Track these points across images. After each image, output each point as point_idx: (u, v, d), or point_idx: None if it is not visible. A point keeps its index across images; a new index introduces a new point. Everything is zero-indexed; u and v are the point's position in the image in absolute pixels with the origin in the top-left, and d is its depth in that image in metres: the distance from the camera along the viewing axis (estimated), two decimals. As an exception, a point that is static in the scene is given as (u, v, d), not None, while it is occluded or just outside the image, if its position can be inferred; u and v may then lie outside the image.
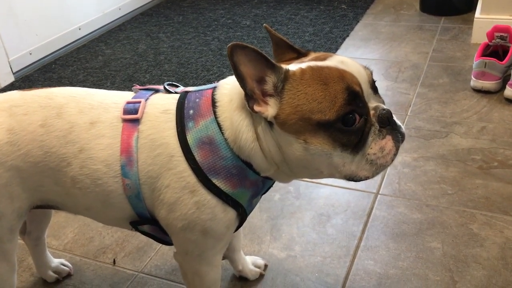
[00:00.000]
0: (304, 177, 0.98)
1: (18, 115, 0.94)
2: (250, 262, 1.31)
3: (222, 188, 0.92)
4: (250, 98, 0.87)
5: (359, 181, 0.90)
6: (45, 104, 0.96)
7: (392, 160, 0.88)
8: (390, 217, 1.47)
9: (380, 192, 1.57)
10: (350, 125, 0.84)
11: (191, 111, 0.94)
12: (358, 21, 2.94)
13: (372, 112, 0.88)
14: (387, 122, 0.88)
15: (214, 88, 0.97)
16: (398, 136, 0.89)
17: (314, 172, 0.92)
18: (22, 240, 1.28)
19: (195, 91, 0.99)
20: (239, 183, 0.93)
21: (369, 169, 0.88)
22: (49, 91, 0.99)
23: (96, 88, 1.06)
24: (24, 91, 1.00)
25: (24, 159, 0.93)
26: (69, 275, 1.35)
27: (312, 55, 0.97)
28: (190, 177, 0.91)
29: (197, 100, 0.95)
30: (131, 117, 0.94)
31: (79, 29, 2.91)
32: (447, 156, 1.70)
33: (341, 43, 2.68)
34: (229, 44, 0.81)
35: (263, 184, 0.98)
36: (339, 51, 2.58)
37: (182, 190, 0.92)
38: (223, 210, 0.93)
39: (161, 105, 0.96)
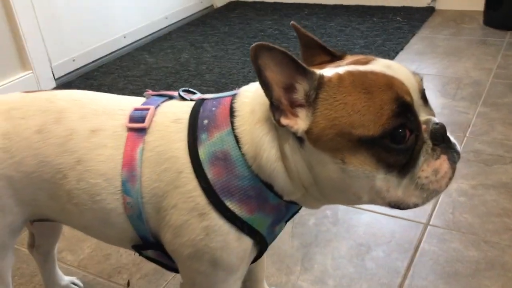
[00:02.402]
0: (339, 203, 0.83)
1: (15, 119, 0.85)
2: (275, 295, 1.16)
3: (237, 212, 0.78)
4: (276, 108, 0.73)
5: (406, 209, 0.74)
6: (45, 107, 0.86)
7: (447, 185, 0.73)
8: (441, 253, 1.27)
9: (430, 223, 1.38)
10: (399, 142, 0.69)
11: (206, 121, 0.81)
12: (414, 34, 2.75)
13: (423, 126, 0.72)
14: (441, 139, 0.73)
15: (234, 95, 0.83)
16: (454, 155, 0.73)
17: (352, 198, 0.77)
18: (31, 254, 1.18)
19: (212, 98, 0.86)
20: (257, 207, 0.79)
21: (419, 195, 0.72)
22: (51, 94, 0.89)
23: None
24: (27, 93, 0.90)
25: (17, 168, 0.83)
26: (79, 295, 1.25)
27: (350, 58, 0.81)
28: (200, 197, 0.78)
29: (213, 108, 0.82)
30: (138, 125, 0.82)
31: (124, 37, 2.88)
32: (511, 185, 1.49)
33: (394, 56, 2.49)
34: (253, 45, 0.68)
35: (287, 209, 0.84)
36: (391, 65, 2.39)
37: (190, 212, 0.78)
38: (237, 238, 0.79)
39: (172, 113, 0.84)
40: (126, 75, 2.56)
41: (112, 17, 2.81)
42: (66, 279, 1.25)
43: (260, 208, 0.79)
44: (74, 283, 1.25)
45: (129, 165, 0.80)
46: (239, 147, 0.78)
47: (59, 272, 1.23)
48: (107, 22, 2.78)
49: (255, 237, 0.81)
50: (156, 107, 0.85)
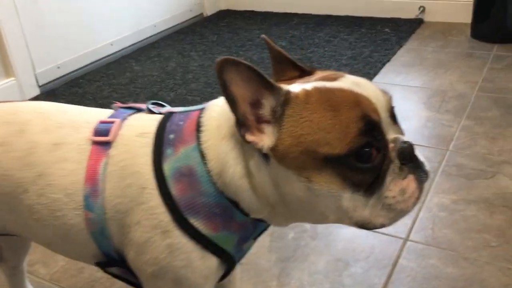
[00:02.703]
0: (306, 222, 0.81)
1: (-23, 131, 0.82)
2: (248, 312, 1.14)
3: (201, 230, 0.76)
4: (242, 124, 0.71)
5: (373, 229, 0.72)
6: (7, 119, 0.83)
7: (414, 205, 0.71)
8: (419, 270, 1.25)
9: (409, 238, 1.36)
10: (365, 162, 0.68)
11: (172, 136, 0.79)
12: (401, 46, 2.75)
13: (391, 145, 0.71)
14: (409, 159, 0.71)
15: (202, 109, 0.82)
16: (422, 175, 0.72)
17: (318, 217, 0.75)
18: (-1, 267, 1.15)
19: (180, 112, 0.84)
20: (223, 225, 0.77)
21: (386, 215, 0.70)
22: (15, 105, 0.87)
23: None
24: (-9, 104, 0.88)
25: (-22, 182, 0.80)
26: (49, 310, 1.22)
27: (319, 74, 0.80)
28: (163, 214, 0.75)
29: (180, 123, 0.80)
30: (102, 139, 0.80)
31: (111, 44, 2.86)
32: (493, 200, 1.47)
33: (381, 68, 2.49)
34: (218, 59, 0.66)
35: (254, 227, 0.82)
36: (377, 77, 2.39)
37: (153, 230, 0.76)
38: (201, 256, 0.77)
39: (138, 126, 0.82)
40: (111, 83, 2.54)
41: (99, 24, 2.79)
42: (36, 293, 1.22)
43: (225, 225, 0.77)
44: (44, 298, 1.22)
45: (92, 180, 0.78)
46: (205, 163, 0.76)
47: (29, 287, 1.20)
48: (94, 29, 2.76)
49: (220, 255, 0.79)
50: (123, 120, 0.83)
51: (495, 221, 1.39)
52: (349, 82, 0.73)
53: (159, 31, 3.19)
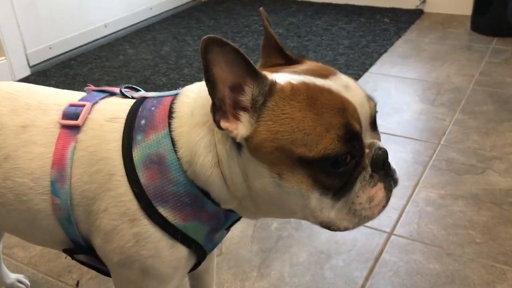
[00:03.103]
0: (274, 217, 0.80)
1: None
2: (225, 303, 1.12)
3: (170, 220, 0.73)
4: (217, 109, 0.68)
5: (336, 230, 0.72)
6: (-25, 100, 0.81)
7: (380, 213, 0.71)
8: (401, 264, 1.23)
9: (394, 232, 1.34)
10: (339, 167, 0.67)
11: (143, 122, 0.76)
12: (399, 36, 2.70)
13: (366, 151, 0.70)
14: (381, 166, 0.70)
15: (176, 95, 0.79)
16: (391, 184, 0.72)
17: (286, 213, 0.75)
18: (-26, 250, 1.14)
19: (154, 97, 0.81)
20: (193, 215, 0.74)
21: (350, 220, 0.70)
22: (-17, 86, 0.84)
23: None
24: (-40, 84, 0.85)
25: None
26: (25, 294, 1.20)
27: (308, 64, 0.77)
28: (131, 202, 0.73)
29: (152, 108, 0.78)
30: (71, 123, 0.77)
31: (105, 26, 2.82)
32: (481, 196, 1.45)
33: (377, 58, 2.45)
34: (204, 37, 0.62)
35: (226, 218, 0.79)
36: (373, 67, 2.35)
37: (120, 217, 0.74)
38: (170, 246, 0.75)
39: (109, 111, 0.79)
40: (104, 65, 2.50)
41: (94, 5, 2.74)
42: (12, 277, 1.20)
43: (195, 215, 0.75)
44: (20, 281, 1.20)
45: (59, 165, 0.76)
46: (175, 151, 0.73)
47: (5, 270, 1.19)
48: (88, 10, 2.72)
49: (190, 245, 0.76)
50: (93, 104, 0.80)
51: (481, 217, 1.37)
52: (339, 83, 0.70)
53: (154, 14, 3.15)
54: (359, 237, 1.33)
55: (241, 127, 0.68)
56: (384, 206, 0.71)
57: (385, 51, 2.53)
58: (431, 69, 2.32)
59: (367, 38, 2.68)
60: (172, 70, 2.41)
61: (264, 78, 0.68)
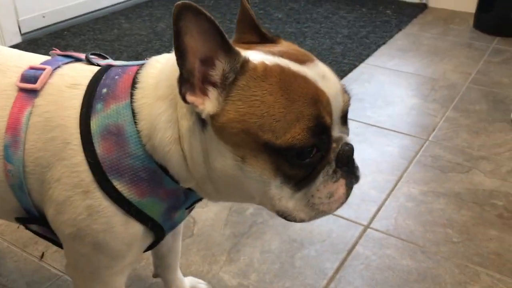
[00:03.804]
0: (231, 200, 0.77)
1: None
2: (188, 285, 1.09)
3: (125, 194, 0.71)
4: (185, 81, 0.64)
5: (292, 221, 0.71)
6: None
7: (337, 208, 0.69)
8: (374, 258, 1.21)
9: (370, 226, 1.31)
10: (304, 158, 0.65)
11: (105, 90, 0.73)
12: (400, 29, 2.65)
13: (333, 145, 0.67)
14: (346, 162, 0.68)
15: (142, 65, 0.75)
16: (352, 181, 0.70)
17: (244, 196, 0.73)
18: None
19: (119, 66, 0.78)
20: (149, 191, 0.72)
21: (308, 212, 0.69)
22: None
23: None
24: None
25: None
26: (-12, 262, 1.18)
27: (284, 45, 0.73)
28: (84, 173, 0.70)
29: (116, 77, 0.74)
30: (28, 86, 0.74)
31: (102, -2, 2.76)
32: (463, 195, 1.42)
33: (375, 50, 2.40)
34: (179, 2, 0.58)
35: (186, 196, 0.77)
36: (370, 59, 2.31)
37: (73, 189, 0.71)
38: (124, 222, 0.72)
39: (71, 77, 0.76)
40: (97, 38, 2.46)
41: (91, -24, 2.69)
42: None
43: (152, 192, 0.72)
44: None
45: (13, 129, 0.73)
46: (135, 123, 0.70)
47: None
48: (85, -19, 2.66)
49: (146, 222, 0.74)
50: (55, 68, 0.77)
51: (461, 216, 1.34)
52: (316, 71, 0.67)
53: (154, -10, 3.09)
54: (335, 228, 1.30)
55: (208, 103, 0.65)
56: (342, 203, 0.69)
57: (384, 43, 2.48)
58: (428, 64, 2.28)
59: (367, 29, 2.64)
60: (165, 48, 2.36)
61: (237, 54, 0.64)
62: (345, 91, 0.70)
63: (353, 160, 0.70)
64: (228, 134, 0.65)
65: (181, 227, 1.03)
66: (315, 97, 0.64)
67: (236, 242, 1.26)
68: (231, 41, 0.76)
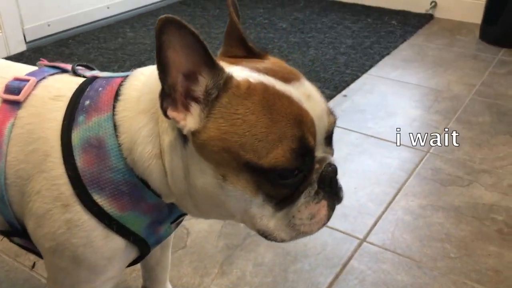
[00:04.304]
0: (212, 217, 0.76)
1: None
2: (178, 298, 1.08)
3: (106, 208, 0.70)
4: (166, 96, 0.64)
5: (272, 241, 0.69)
6: None
7: (318, 230, 0.68)
8: (369, 273, 1.19)
9: (367, 239, 1.29)
10: (285, 178, 0.64)
11: (87, 102, 0.72)
12: (405, 40, 2.64)
13: (316, 166, 0.66)
14: (328, 183, 0.67)
15: (126, 77, 0.75)
16: (334, 203, 0.69)
17: (225, 214, 0.72)
18: None
19: (104, 77, 0.77)
20: (131, 205, 0.71)
21: (288, 232, 0.68)
22: None
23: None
24: None
25: None
26: (-20, 271, 1.18)
27: (271, 62, 0.73)
28: (64, 186, 0.70)
29: (100, 89, 0.74)
30: (11, 97, 0.74)
31: (108, 8, 2.78)
32: (462, 209, 1.39)
33: (379, 60, 2.39)
34: (162, 16, 0.57)
35: (170, 210, 0.75)
36: (373, 69, 2.29)
37: (53, 202, 0.70)
38: (104, 236, 0.71)
39: (55, 88, 0.76)
40: (101, 46, 2.47)
41: (97, -15, 2.71)
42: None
43: (134, 206, 0.71)
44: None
45: (-5, 141, 0.72)
46: (117, 136, 0.69)
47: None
48: (91, -10, 2.68)
49: (128, 236, 0.73)
50: (40, 80, 0.76)
51: (460, 231, 1.31)
52: (301, 91, 0.66)
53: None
54: (330, 241, 1.28)
55: (190, 119, 0.64)
56: (324, 224, 0.68)
57: (388, 54, 2.46)
58: (432, 75, 2.25)
59: (371, 39, 2.62)
60: (168, 57, 2.37)
61: (221, 70, 0.63)
62: (330, 113, 0.69)
63: (336, 180, 0.69)
64: (209, 151, 0.64)
65: (170, 239, 1.02)
66: (299, 118, 0.63)
67: (230, 254, 1.24)
68: (217, 54, 0.76)
